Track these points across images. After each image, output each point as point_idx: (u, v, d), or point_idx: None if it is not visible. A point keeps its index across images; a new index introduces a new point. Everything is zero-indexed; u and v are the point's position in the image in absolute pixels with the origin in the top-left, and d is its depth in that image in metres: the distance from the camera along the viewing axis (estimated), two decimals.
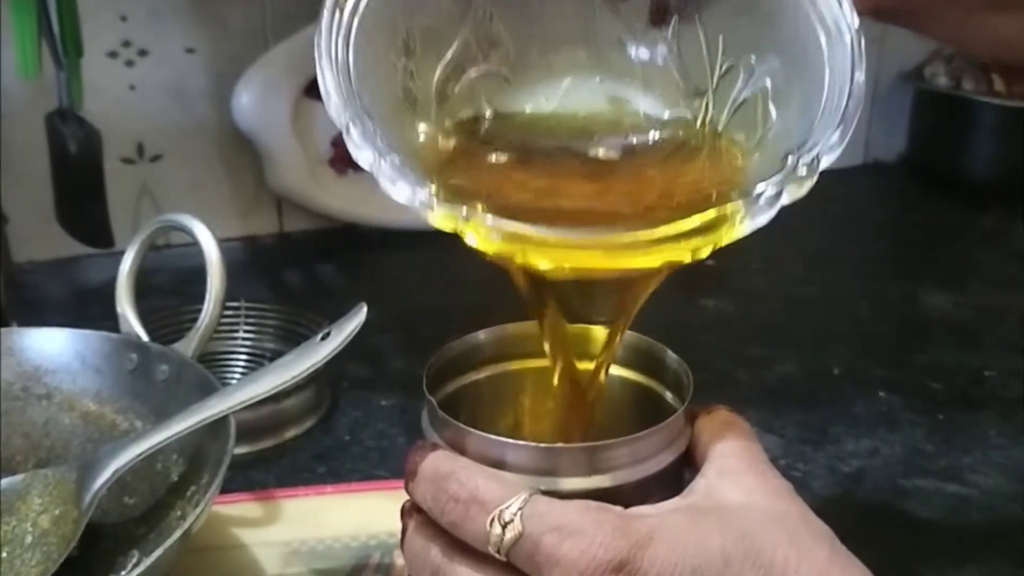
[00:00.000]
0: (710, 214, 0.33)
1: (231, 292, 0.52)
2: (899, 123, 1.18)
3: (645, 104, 0.39)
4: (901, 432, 0.64)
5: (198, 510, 0.40)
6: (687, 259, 0.34)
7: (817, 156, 0.34)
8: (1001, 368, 0.71)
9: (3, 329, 0.52)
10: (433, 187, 0.33)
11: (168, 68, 0.87)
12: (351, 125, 0.33)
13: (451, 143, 0.37)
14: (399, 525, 0.37)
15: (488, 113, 0.38)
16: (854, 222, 1.06)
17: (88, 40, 0.74)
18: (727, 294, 0.85)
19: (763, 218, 0.34)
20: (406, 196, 0.33)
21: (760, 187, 0.33)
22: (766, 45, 0.37)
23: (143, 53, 0.86)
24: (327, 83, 0.34)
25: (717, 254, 0.97)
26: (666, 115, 0.39)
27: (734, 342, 0.77)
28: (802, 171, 0.33)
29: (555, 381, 0.40)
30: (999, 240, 0.98)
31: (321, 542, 0.50)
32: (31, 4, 0.66)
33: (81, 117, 0.75)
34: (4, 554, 0.42)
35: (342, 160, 0.94)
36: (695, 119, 0.38)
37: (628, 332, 0.42)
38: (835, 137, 0.34)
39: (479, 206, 0.33)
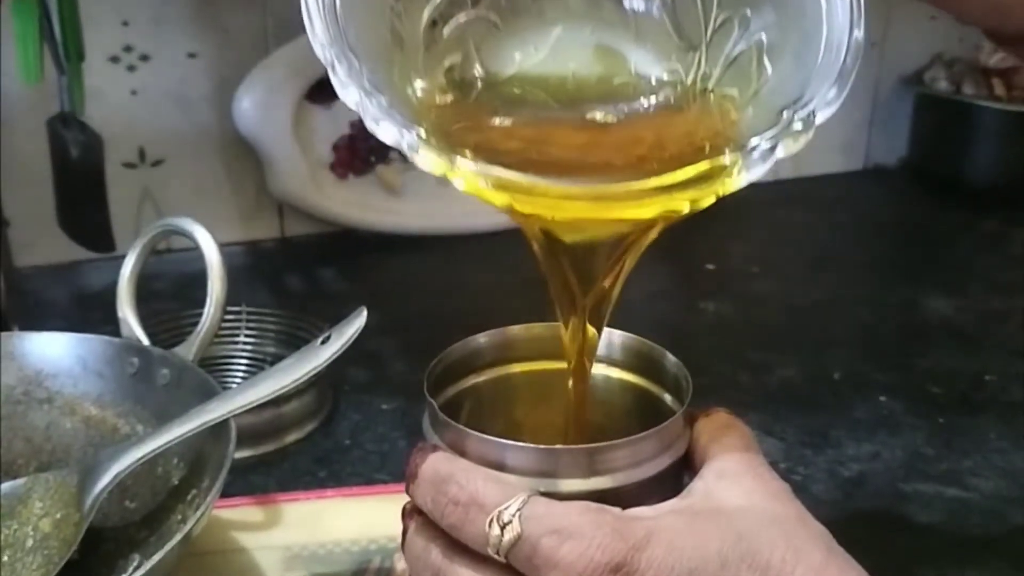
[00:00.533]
0: (703, 166, 0.33)
1: (232, 296, 0.52)
2: (900, 128, 1.18)
3: (637, 57, 0.38)
4: (902, 436, 0.64)
5: (199, 514, 0.40)
6: (685, 209, 0.34)
7: (813, 111, 0.34)
8: (1002, 372, 0.72)
9: (4, 333, 0.52)
10: (421, 130, 0.33)
11: (170, 73, 0.87)
12: (336, 63, 0.33)
13: (440, 91, 0.37)
14: (400, 529, 0.37)
15: (477, 64, 0.37)
16: (855, 226, 1.06)
17: (90, 45, 0.74)
18: (728, 298, 0.85)
19: (758, 171, 0.33)
20: (392, 137, 0.32)
21: (755, 140, 0.33)
22: None
23: (145, 58, 0.86)
24: (312, 19, 0.33)
25: (717, 258, 0.97)
26: (658, 69, 0.38)
27: (735, 346, 0.77)
28: (797, 125, 0.33)
29: (566, 337, 0.39)
30: (1000, 244, 0.98)
31: (322, 546, 0.50)
32: (33, 9, 0.66)
33: (83, 122, 0.75)
34: (5, 558, 0.42)
35: (343, 164, 0.94)
36: (687, 74, 0.37)
37: (627, 335, 0.42)
38: (832, 93, 0.34)
39: (466, 152, 0.32)
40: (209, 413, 0.42)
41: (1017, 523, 0.55)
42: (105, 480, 0.43)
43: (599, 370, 0.42)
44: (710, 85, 0.37)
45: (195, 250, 0.52)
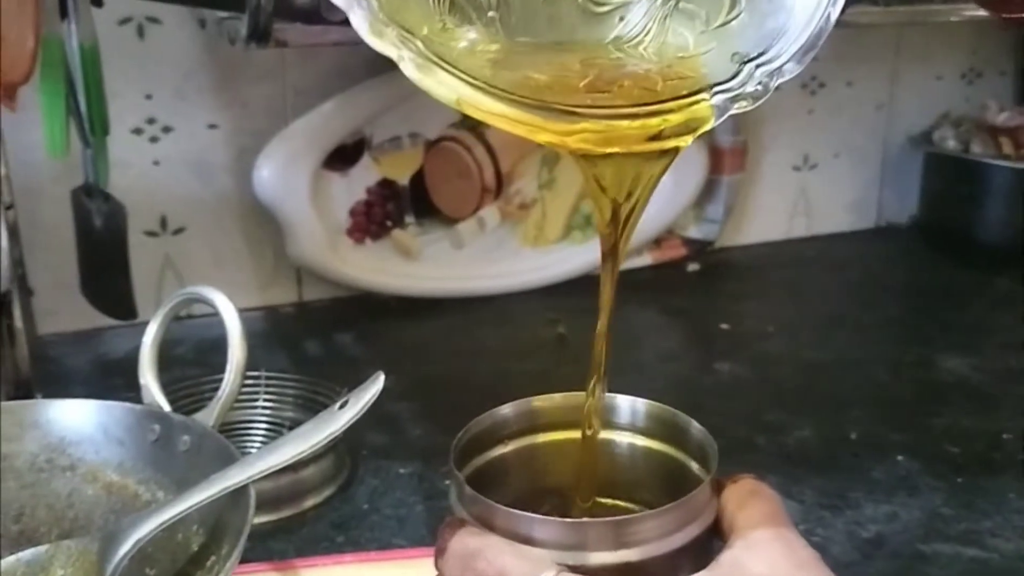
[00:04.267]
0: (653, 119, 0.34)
1: (251, 362, 0.53)
2: (911, 186, 1.19)
3: None
4: (920, 496, 0.63)
5: None
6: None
7: (773, 71, 0.34)
8: (1019, 431, 0.71)
9: (28, 401, 0.53)
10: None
11: (191, 144, 0.89)
12: None
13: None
14: None
15: None
16: (868, 286, 1.06)
17: (114, 117, 0.76)
18: (742, 359, 0.86)
19: (708, 125, 0.35)
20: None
21: (717, 99, 0.34)
22: None
23: (167, 129, 0.88)
24: None
25: (731, 318, 0.97)
26: None
27: (750, 407, 0.77)
28: (755, 86, 0.34)
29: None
30: (1013, 301, 0.98)
31: None
32: (60, 87, 0.68)
33: (106, 192, 0.77)
34: None
35: (360, 230, 0.95)
36: None
37: (651, 402, 0.42)
38: (792, 62, 0.35)
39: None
40: (228, 479, 0.42)
41: None
42: (125, 547, 0.43)
43: (624, 438, 0.42)
44: None
45: (215, 316, 0.53)
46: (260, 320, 0.94)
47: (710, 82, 0.35)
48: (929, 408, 0.76)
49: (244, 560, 0.45)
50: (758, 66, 0.35)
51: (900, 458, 0.68)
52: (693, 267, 1.09)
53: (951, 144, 1.14)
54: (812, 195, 1.18)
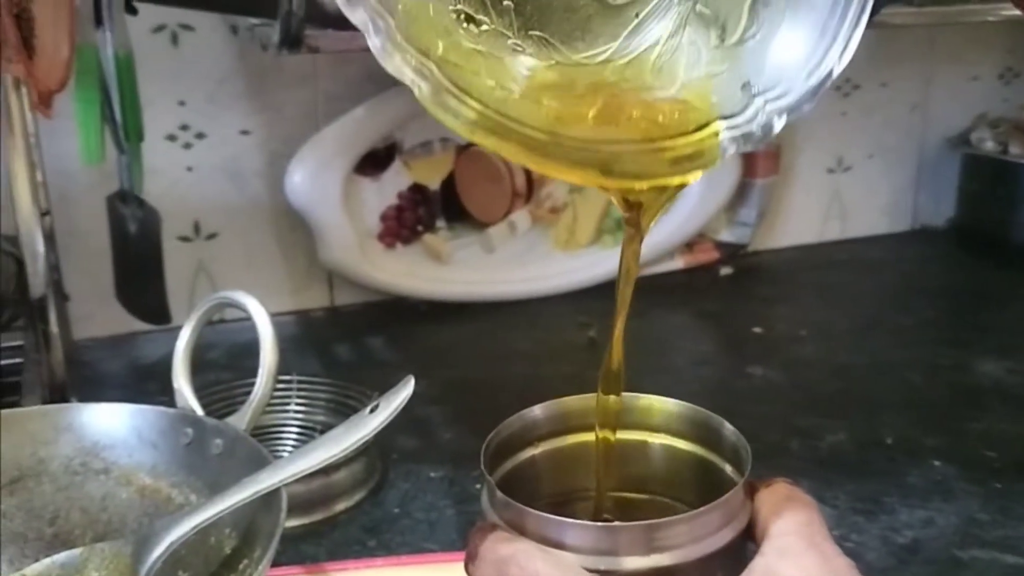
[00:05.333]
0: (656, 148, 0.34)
1: (283, 366, 0.53)
2: (947, 188, 1.18)
3: None
4: (956, 502, 0.62)
5: None
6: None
7: (782, 109, 0.34)
8: None
9: (63, 405, 0.54)
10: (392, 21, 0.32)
11: (224, 150, 0.90)
12: None
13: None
14: None
15: None
16: (903, 289, 1.05)
17: (148, 124, 0.77)
18: (776, 363, 0.85)
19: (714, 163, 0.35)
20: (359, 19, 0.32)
21: (722, 126, 0.34)
22: None
23: (200, 136, 0.89)
24: None
25: (764, 321, 0.96)
26: None
27: (784, 411, 0.76)
28: (760, 124, 0.34)
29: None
30: None
31: None
32: (95, 94, 0.69)
33: (141, 198, 0.78)
34: None
35: (391, 234, 0.96)
36: None
37: (684, 403, 0.41)
38: (801, 101, 0.34)
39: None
40: (260, 483, 0.43)
41: None
42: (159, 550, 0.43)
43: (657, 440, 0.42)
44: None
45: (248, 320, 0.53)
46: (292, 324, 0.94)
47: (719, 113, 0.35)
48: (965, 412, 0.75)
49: (276, 563, 0.46)
50: (767, 101, 0.34)
51: (936, 463, 0.67)
52: (726, 271, 1.09)
53: (989, 145, 1.13)
54: (846, 198, 1.17)
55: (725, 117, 0.35)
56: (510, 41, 0.36)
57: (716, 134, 0.35)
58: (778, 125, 0.35)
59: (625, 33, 0.37)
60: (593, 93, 0.36)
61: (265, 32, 0.70)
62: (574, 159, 0.34)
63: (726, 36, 0.37)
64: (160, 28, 0.85)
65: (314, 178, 0.90)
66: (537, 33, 0.37)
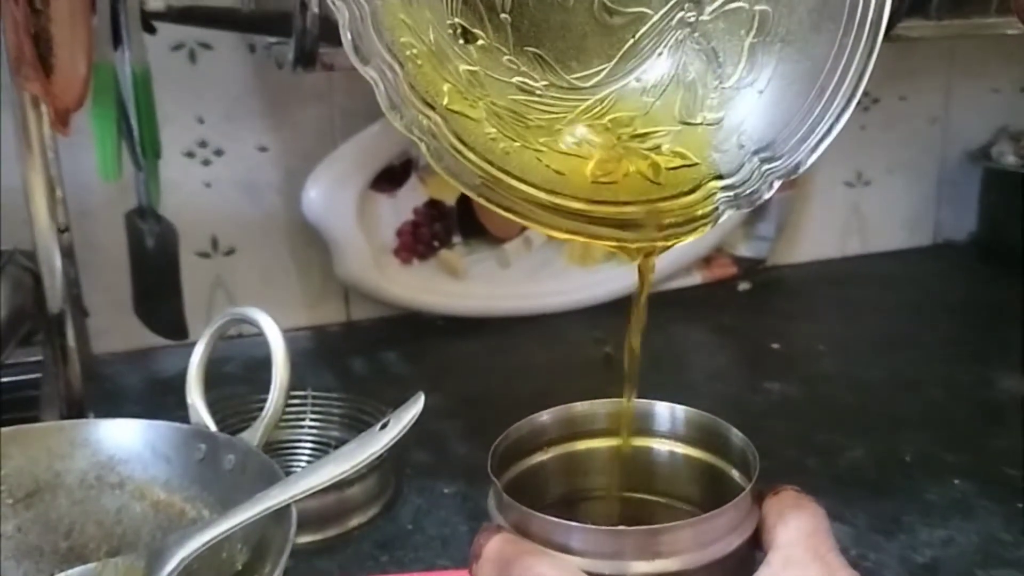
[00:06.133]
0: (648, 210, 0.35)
1: (299, 381, 0.53)
2: (968, 202, 1.17)
3: None
4: (977, 520, 0.62)
5: None
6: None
7: (776, 169, 0.34)
8: None
9: (79, 420, 0.54)
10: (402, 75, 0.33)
11: (241, 166, 0.91)
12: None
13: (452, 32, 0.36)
14: None
15: None
16: (924, 304, 1.04)
17: (166, 141, 0.78)
18: (793, 378, 0.84)
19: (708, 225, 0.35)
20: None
21: (719, 195, 0.34)
22: None
23: (218, 152, 0.90)
24: None
25: (782, 337, 0.95)
26: None
27: (801, 428, 0.75)
28: (754, 186, 0.34)
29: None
30: None
31: None
32: (111, 112, 0.70)
33: (159, 214, 0.78)
34: None
35: (407, 250, 0.96)
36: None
37: (691, 409, 0.41)
38: (795, 162, 0.34)
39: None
40: (271, 499, 0.43)
41: None
42: (171, 565, 0.43)
43: (664, 446, 0.41)
44: (700, 15, 0.36)
45: (264, 335, 0.53)
46: (308, 339, 0.94)
47: (715, 172, 0.35)
48: (986, 429, 0.74)
49: None
50: (762, 161, 0.34)
51: (956, 480, 0.66)
52: (743, 286, 1.08)
53: (1010, 159, 1.12)
54: (866, 212, 1.16)
55: (720, 177, 0.35)
56: (505, 58, 0.36)
57: (711, 195, 0.35)
58: (774, 184, 0.35)
59: (619, 54, 0.38)
60: (591, 138, 0.37)
61: (281, 50, 0.71)
62: (572, 226, 0.35)
63: (724, 78, 0.37)
64: (179, 46, 0.86)
65: (330, 194, 0.90)
66: (532, 50, 0.37)
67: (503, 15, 0.36)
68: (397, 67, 0.34)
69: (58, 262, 0.67)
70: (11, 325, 0.67)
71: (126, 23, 0.68)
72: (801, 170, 0.35)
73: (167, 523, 0.51)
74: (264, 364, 0.55)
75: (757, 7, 0.36)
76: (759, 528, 0.36)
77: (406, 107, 0.33)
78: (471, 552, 0.35)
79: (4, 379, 0.73)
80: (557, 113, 0.37)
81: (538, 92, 0.37)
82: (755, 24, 0.36)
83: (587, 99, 0.38)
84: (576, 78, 0.38)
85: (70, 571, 0.46)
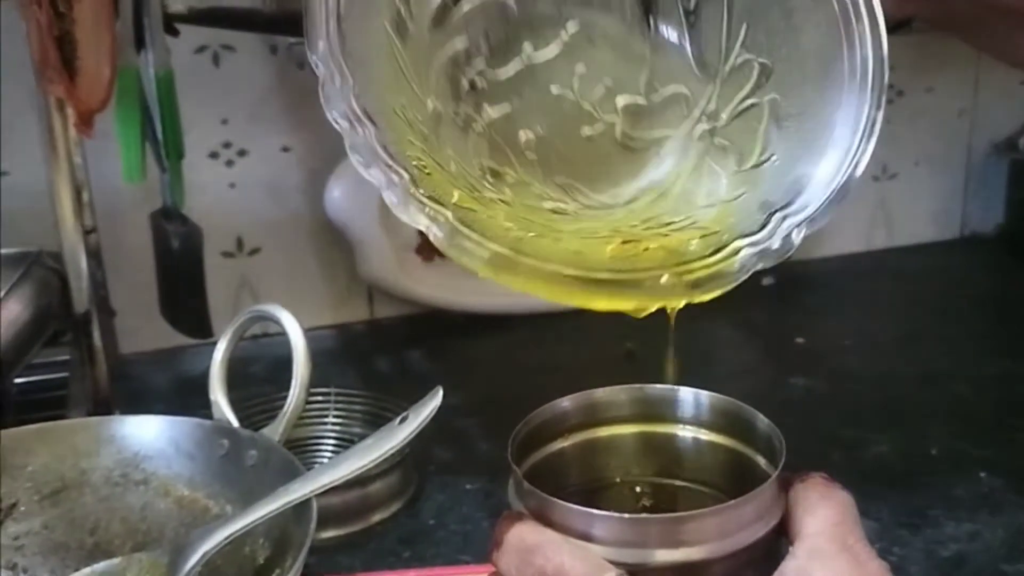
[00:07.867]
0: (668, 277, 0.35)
1: (323, 378, 0.54)
2: (996, 194, 1.15)
3: (652, 66, 0.37)
4: (1004, 515, 0.61)
5: None
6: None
7: (801, 223, 0.34)
8: None
9: (104, 418, 0.55)
10: (407, 176, 0.33)
11: (265, 166, 0.91)
12: (331, 79, 0.33)
13: (435, 95, 0.36)
14: None
15: (483, 55, 0.36)
16: (951, 298, 1.03)
17: (191, 143, 0.79)
18: (818, 373, 0.84)
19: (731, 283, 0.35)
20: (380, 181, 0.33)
21: (743, 253, 0.34)
22: (785, 54, 0.36)
23: (242, 153, 0.91)
24: (315, 27, 0.33)
25: (807, 331, 0.95)
26: (671, 86, 0.37)
27: (826, 422, 0.75)
28: (780, 240, 0.33)
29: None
30: None
31: None
32: (135, 114, 0.70)
33: (184, 215, 0.79)
34: None
35: (429, 248, 0.96)
36: (697, 102, 0.37)
37: (715, 395, 0.41)
38: (818, 214, 0.34)
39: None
40: (291, 494, 0.43)
41: None
42: (194, 559, 0.44)
43: (688, 432, 0.41)
44: (717, 124, 0.36)
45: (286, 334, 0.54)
46: (333, 338, 0.95)
47: (738, 233, 0.35)
48: (1013, 423, 0.73)
49: (313, 574, 0.46)
50: (785, 217, 0.34)
51: (983, 475, 0.65)
52: (768, 280, 1.07)
53: None
54: (892, 205, 1.15)
55: (744, 236, 0.35)
56: (535, 189, 0.36)
57: (735, 253, 0.34)
58: (798, 238, 0.34)
59: (648, 172, 0.37)
60: (613, 232, 0.37)
61: (302, 51, 0.71)
62: (590, 292, 0.35)
63: (743, 162, 0.37)
64: (202, 49, 0.87)
65: (353, 194, 0.91)
66: (562, 179, 0.37)
67: (530, 155, 0.36)
68: (404, 172, 0.34)
69: (83, 263, 0.68)
70: (37, 326, 0.68)
71: (149, 26, 0.69)
72: (826, 219, 0.35)
73: (191, 519, 0.52)
74: (288, 364, 0.56)
75: (766, 98, 0.37)
76: (785, 516, 0.35)
77: (414, 202, 0.33)
78: (492, 540, 0.35)
79: (32, 379, 0.75)
80: (589, 225, 0.37)
81: (571, 212, 0.37)
82: (767, 112, 0.37)
83: (617, 213, 0.38)
84: (606, 196, 0.38)
85: (95, 566, 0.47)
